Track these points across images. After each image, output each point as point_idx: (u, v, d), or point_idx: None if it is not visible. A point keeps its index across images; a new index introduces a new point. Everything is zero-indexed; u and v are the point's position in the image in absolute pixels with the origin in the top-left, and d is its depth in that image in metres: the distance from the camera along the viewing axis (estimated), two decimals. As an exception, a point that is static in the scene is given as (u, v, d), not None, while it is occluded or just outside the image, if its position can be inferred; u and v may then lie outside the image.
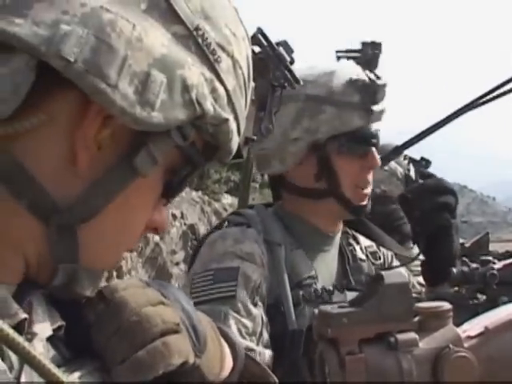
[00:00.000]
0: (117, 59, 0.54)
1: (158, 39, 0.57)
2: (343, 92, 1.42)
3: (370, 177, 1.46)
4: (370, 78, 1.44)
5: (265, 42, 1.18)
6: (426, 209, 1.46)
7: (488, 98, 1.88)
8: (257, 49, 1.15)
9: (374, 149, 1.44)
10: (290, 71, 1.21)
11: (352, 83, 1.43)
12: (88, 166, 0.57)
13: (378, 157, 1.45)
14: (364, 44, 1.48)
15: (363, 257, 1.55)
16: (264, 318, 1.29)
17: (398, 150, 1.76)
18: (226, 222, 1.46)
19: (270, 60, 1.19)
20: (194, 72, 0.59)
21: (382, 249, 1.62)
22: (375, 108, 1.43)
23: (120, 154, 0.59)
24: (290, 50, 1.22)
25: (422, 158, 2.61)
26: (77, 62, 0.52)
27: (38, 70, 0.53)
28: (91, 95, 0.54)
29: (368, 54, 1.47)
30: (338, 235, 1.52)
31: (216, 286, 1.01)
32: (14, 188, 0.56)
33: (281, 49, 1.20)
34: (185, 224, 7.84)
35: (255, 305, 1.28)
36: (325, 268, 1.44)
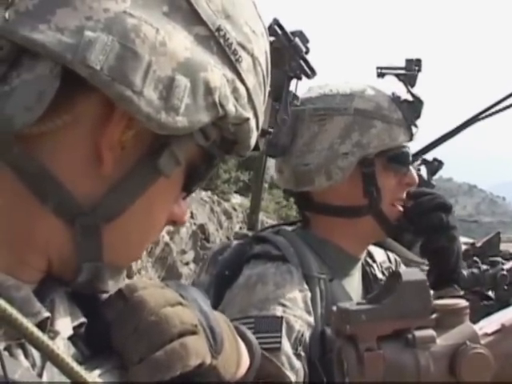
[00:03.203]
0: (141, 65, 0.54)
1: (181, 42, 0.57)
2: (389, 107, 1.40)
3: (405, 194, 1.43)
4: (413, 95, 1.43)
5: (280, 33, 1.17)
6: (425, 227, 1.43)
7: (500, 107, 1.88)
8: (271, 38, 1.13)
9: (411, 167, 1.42)
10: (306, 61, 1.20)
11: (394, 99, 1.42)
12: (112, 166, 0.58)
13: (415, 175, 1.43)
14: (408, 61, 1.46)
15: (381, 275, 1.51)
16: (306, 369, 1.23)
17: (415, 157, 1.75)
18: (252, 248, 1.36)
19: (286, 50, 1.18)
20: (217, 74, 0.59)
21: (390, 256, 1.59)
22: (415, 125, 1.42)
23: (143, 155, 0.60)
24: (305, 40, 1.20)
25: (435, 159, 2.61)
26: (102, 70, 0.53)
27: (63, 75, 0.53)
28: (117, 102, 0.55)
29: (411, 71, 1.46)
30: (363, 257, 1.48)
31: (258, 336, 0.91)
32: (40, 192, 0.56)
33: (296, 39, 1.19)
34: (194, 224, 7.84)
35: (298, 356, 1.22)
36: (353, 294, 1.40)
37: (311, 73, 1.21)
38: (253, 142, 0.67)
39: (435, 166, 2.60)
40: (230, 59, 0.61)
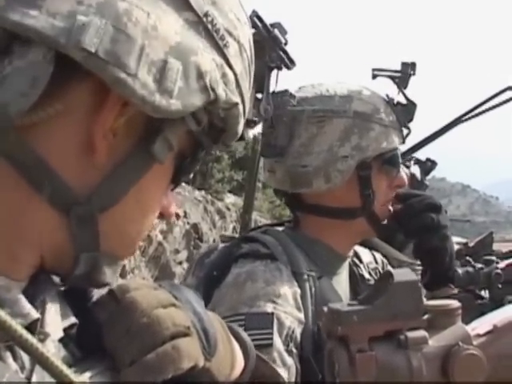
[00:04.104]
0: (135, 48, 0.54)
1: (172, 26, 0.57)
2: (385, 110, 1.40)
3: (393, 195, 1.44)
4: (407, 98, 1.44)
5: (260, 25, 1.18)
6: (416, 229, 1.43)
7: (486, 107, 1.90)
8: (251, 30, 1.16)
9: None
10: (286, 52, 1.21)
11: (389, 102, 1.42)
12: (106, 154, 0.57)
13: (405, 176, 1.43)
14: (403, 64, 1.47)
15: (368, 275, 1.51)
16: (298, 366, 1.23)
17: (403, 156, 1.76)
18: (240, 248, 1.36)
19: (266, 42, 1.19)
20: (206, 58, 0.59)
21: (376, 257, 1.59)
22: (408, 128, 1.43)
23: (136, 141, 0.59)
24: (284, 32, 1.22)
25: (428, 159, 2.62)
26: (97, 53, 0.52)
27: (55, 62, 0.52)
28: (112, 85, 0.54)
29: (406, 74, 1.46)
30: (350, 256, 1.49)
31: (250, 333, 0.90)
32: (35, 181, 0.55)
33: (275, 31, 1.20)
34: (188, 223, 7.85)
35: (290, 352, 1.22)
36: (341, 292, 1.40)
37: (291, 64, 1.22)
38: (240, 128, 0.67)
39: (428, 166, 2.61)
40: (218, 44, 0.61)
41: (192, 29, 0.59)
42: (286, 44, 1.21)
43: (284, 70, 1.23)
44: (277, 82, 1.26)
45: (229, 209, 9.63)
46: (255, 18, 1.17)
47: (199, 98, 0.58)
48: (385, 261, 1.61)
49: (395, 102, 1.44)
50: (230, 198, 10.57)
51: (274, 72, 1.22)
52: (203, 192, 9.25)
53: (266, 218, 10.53)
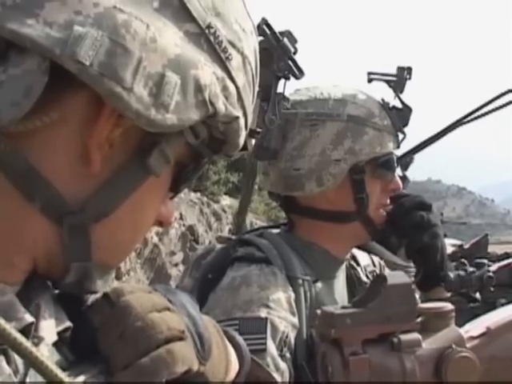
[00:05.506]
0: (132, 61, 0.53)
1: (172, 39, 0.56)
2: (379, 114, 1.40)
3: (388, 200, 1.43)
4: (402, 103, 1.44)
5: (269, 32, 1.17)
6: (406, 227, 1.42)
7: (487, 109, 1.90)
8: (260, 38, 1.12)
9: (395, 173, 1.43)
10: (294, 62, 1.20)
11: (384, 106, 1.42)
12: (100, 165, 0.57)
13: (399, 180, 1.44)
14: (399, 68, 1.47)
15: (365, 278, 1.51)
16: (291, 370, 1.23)
17: (399, 160, 1.76)
18: (236, 250, 1.35)
19: (274, 50, 1.18)
20: (207, 71, 0.58)
21: (374, 260, 1.59)
22: (403, 133, 1.43)
23: (132, 153, 0.59)
24: (293, 41, 1.20)
25: (404, 154, 2.62)
26: (92, 66, 0.51)
27: (51, 71, 0.52)
28: (106, 98, 0.53)
29: (402, 78, 1.46)
30: (347, 259, 1.49)
31: (243, 338, 0.89)
32: (27, 190, 0.55)
33: (285, 39, 1.19)
34: (184, 225, 7.84)
35: (283, 357, 1.21)
36: (338, 295, 1.40)
37: (299, 73, 1.21)
38: (241, 141, 0.66)
39: (407, 160, 2.63)
40: (220, 57, 0.60)
41: (193, 41, 0.58)
42: (295, 53, 1.20)
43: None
44: (284, 91, 1.25)
45: (225, 211, 9.63)
46: (264, 26, 1.16)
47: (197, 112, 0.58)
48: (382, 263, 1.61)
49: (390, 106, 1.44)
50: (225, 200, 10.57)
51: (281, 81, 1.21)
52: (199, 194, 9.24)
53: (262, 220, 10.53)
